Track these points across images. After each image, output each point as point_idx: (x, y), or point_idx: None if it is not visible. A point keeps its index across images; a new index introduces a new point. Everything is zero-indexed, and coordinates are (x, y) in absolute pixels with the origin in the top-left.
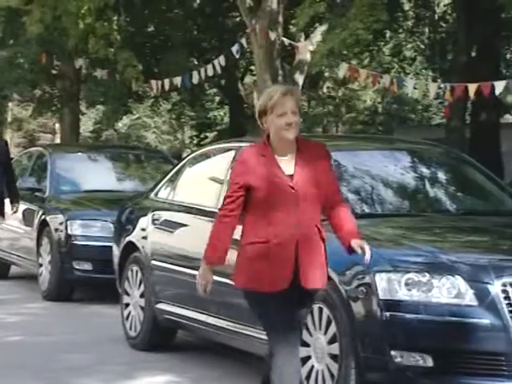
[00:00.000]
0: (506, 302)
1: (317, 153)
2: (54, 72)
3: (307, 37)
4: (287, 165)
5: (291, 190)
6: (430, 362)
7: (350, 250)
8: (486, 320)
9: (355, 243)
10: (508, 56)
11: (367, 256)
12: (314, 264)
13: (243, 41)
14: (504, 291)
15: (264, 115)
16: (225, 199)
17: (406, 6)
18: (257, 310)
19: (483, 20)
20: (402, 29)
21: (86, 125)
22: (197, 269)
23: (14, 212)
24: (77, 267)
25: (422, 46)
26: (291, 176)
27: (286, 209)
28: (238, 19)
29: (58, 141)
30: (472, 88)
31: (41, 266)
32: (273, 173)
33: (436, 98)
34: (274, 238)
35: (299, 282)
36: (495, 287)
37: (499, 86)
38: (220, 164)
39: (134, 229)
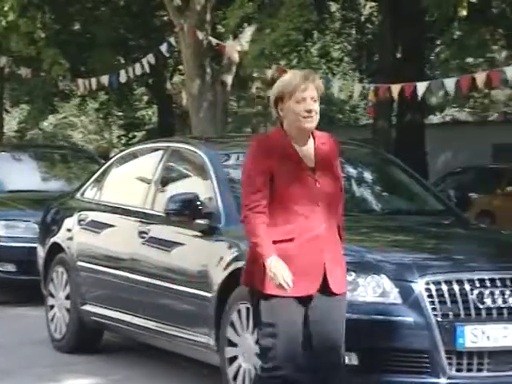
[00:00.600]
0: (429, 300)
1: (332, 147)
2: None
3: (235, 37)
4: (307, 157)
5: (316, 185)
6: (355, 361)
7: None
8: (409, 318)
9: None
10: (432, 57)
11: None
12: (339, 266)
13: (172, 40)
14: (427, 289)
15: (280, 102)
16: (247, 199)
17: (333, 8)
18: (271, 316)
19: (408, 22)
20: (330, 30)
21: (10, 124)
22: (123, 269)
23: None
24: (0, 269)
25: (349, 47)
26: (313, 169)
27: (308, 205)
28: (166, 18)
29: None
30: (395, 89)
31: None
32: (295, 164)
33: (363, 98)
34: (298, 236)
35: (327, 285)
36: (419, 286)
37: (422, 87)
38: (148, 164)
39: (59, 229)
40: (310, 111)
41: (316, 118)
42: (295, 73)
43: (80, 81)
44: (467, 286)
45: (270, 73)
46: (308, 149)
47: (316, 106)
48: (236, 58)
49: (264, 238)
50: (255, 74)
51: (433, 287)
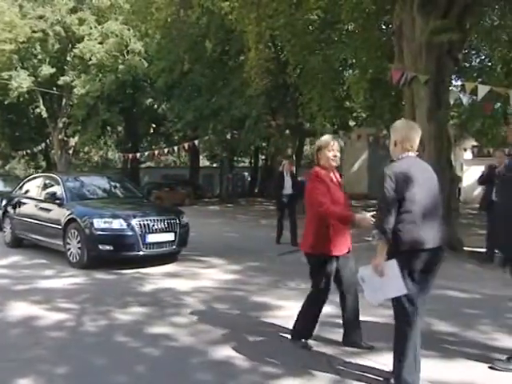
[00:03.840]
0: (138, 226)
1: (338, 174)
2: None
3: (73, 137)
4: (333, 178)
5: (339, 188)
6: (111, 247)
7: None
8: (130, 233)
9: None
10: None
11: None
12: (348, 238)
13: (51, 138)
14: (137, 224)
15: (320, 150)
16: (322, 197)
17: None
18: (325, 267)
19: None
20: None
21: None
22: (30, 218)
23: None
24: None
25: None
26: (338, 182)
27: (338, 196)
28: (48, 129)
29: None
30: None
31: None
32: (331, 179)
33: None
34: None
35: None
36: (133, 222)
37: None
38: (40, 180)
39: (8, 204)
40: (335, 156)
41: (338, 160)
42: (329, 136)
43: (19, 152)
44: (149, 222)
45: (86, 149)
46: (331, 173)
47: (338, 154)
48: (74, 144)
49: (341, 212)
50: (81, 150)
51: (137, 222)
